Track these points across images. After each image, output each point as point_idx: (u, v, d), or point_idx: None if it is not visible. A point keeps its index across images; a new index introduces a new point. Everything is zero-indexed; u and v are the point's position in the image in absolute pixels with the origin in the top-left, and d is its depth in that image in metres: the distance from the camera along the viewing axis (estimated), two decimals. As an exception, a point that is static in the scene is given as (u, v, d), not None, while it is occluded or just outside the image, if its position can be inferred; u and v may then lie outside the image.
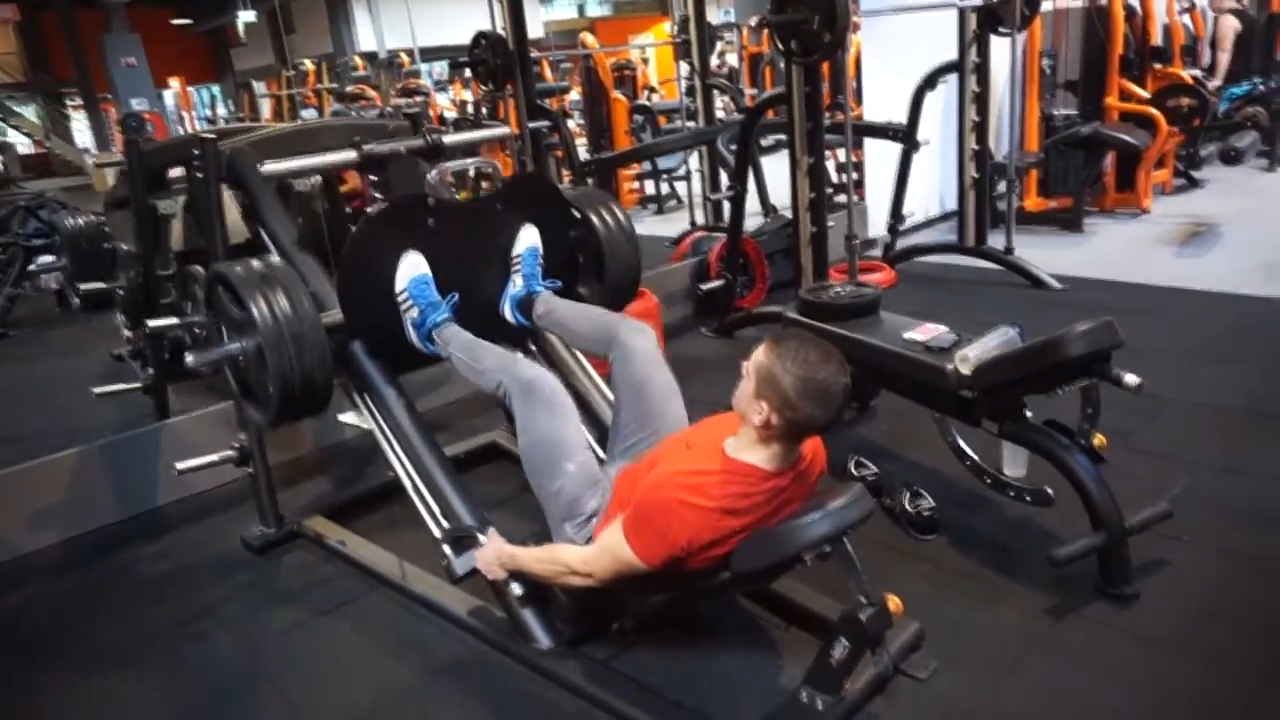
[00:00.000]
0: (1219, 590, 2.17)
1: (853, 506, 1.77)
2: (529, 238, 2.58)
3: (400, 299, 2.38)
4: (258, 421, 2.45)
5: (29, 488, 2.93)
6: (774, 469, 1.82)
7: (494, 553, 2.13)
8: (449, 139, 2.88)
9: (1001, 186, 4.98)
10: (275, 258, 2.39)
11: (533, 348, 2.77)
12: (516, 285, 2.58)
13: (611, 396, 2.49)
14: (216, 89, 23.04)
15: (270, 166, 2.62)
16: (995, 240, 4.96)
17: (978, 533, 2.49)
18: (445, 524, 2.25)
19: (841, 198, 4.57)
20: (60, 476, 2.97)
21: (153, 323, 2.84)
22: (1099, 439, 2.28)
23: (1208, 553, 2.30)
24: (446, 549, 2.21)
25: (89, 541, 2.96)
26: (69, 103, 21.91)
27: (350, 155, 2.61)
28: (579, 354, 2.79)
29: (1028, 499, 2.38)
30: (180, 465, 2.71)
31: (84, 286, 3.56)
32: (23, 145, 20.43)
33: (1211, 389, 3.23)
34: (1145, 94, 5.90)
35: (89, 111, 19.97)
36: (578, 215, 2.75)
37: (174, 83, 17.17)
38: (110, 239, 3.95)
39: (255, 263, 2.26)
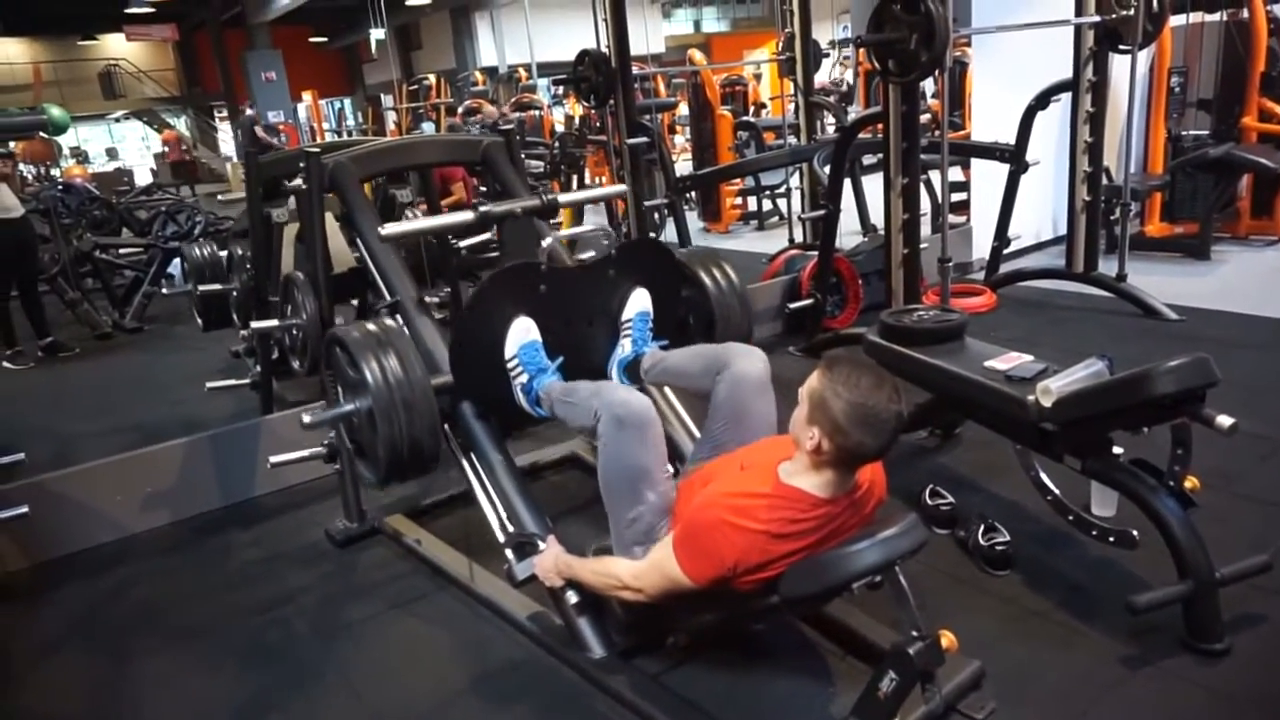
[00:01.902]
0: (1320, 652, 2.02)
1: (904, 536, 1.74)
2: (640, 302, 2.56)
3: (510, 364, 2.39)
4: (369, 481, 2.51)
5: (142, 473, 3.17)
6: (827, 496, 1.79)
7: (552, 561, 2.18)
8: (564, 198, 2.93)
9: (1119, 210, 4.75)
10: (390, 322, 2.46)
11: None
12: (625, 349, 2.54)
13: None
14: (347, 101, 24.31)
15: (390, 229, 2.65)
16: (1110, 267, 4.74)
17: (1054, 572, 2.39)
18: (510, 529, 2.32)
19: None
20: (170, 464, 3.21)
21: (255, 324, 3.03)
22: (1191, 481, 2.15)
23: (1311, 611, 2.14)
24: (509, 553, 2.28)
25: (192, 525, 3.19)
26: (217, 115, 23.59)
27: (467, 217, 2.65)
28: (679, 408, 2.76)
29: (1111, 540, 2.28)
30: (274, 459, 2.87)
31: (202, 287, 3.84)
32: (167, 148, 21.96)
33: (1336, 434, 3.00)
34: (1289, 114, 5.52)
35: (233, 122, 21.41)
36: (688, 277, 2.76)
37: (307, 96, 18.22)
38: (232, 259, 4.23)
39: (371, 326, 2.33)
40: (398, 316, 2.67)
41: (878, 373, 1.75)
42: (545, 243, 2.63)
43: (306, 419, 2.36)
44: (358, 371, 2.25)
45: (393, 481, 2.37)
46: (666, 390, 2.77)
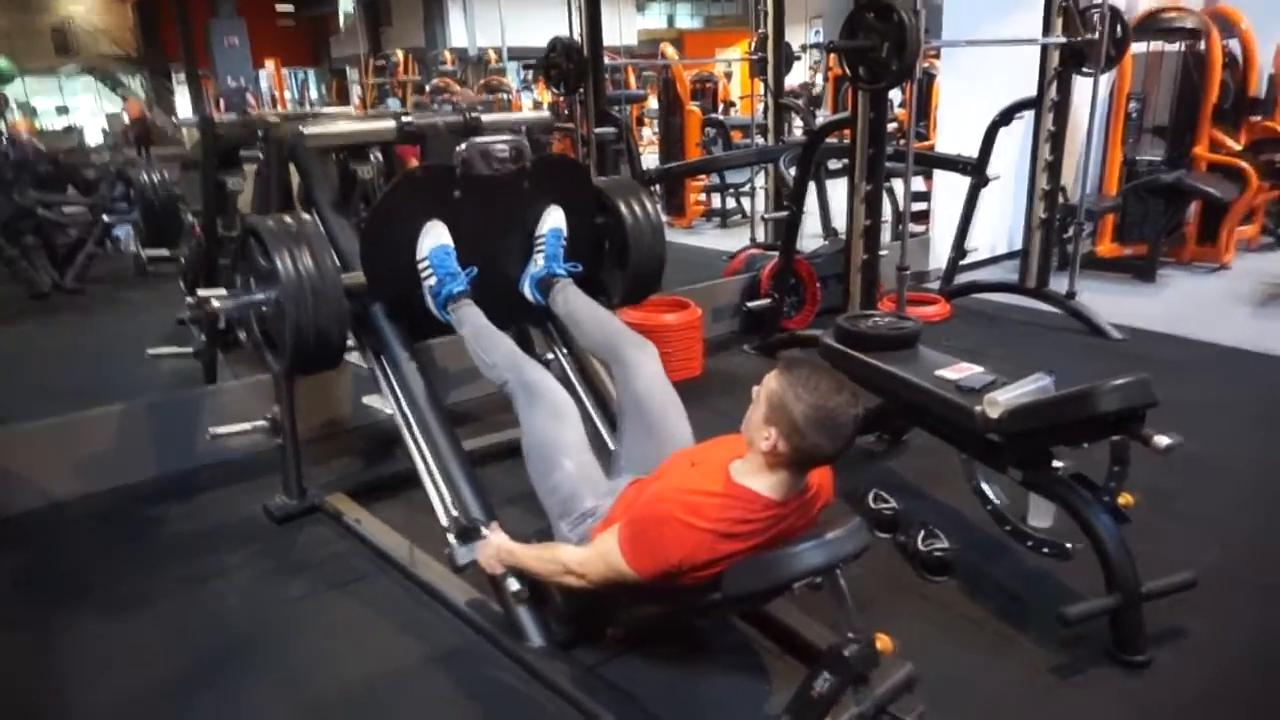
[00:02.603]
0: (1234, 670, 2.08)
1: (848, 540, 1.74)
2: (554, 219, 2.62)
3: (421, 266, 2.44)
4: (275, 370, 2.56)
5: (74, 439, 3.08)
6: (778, 497, 1.80)
7: (494, 547, 2.16)
8: (488, 118, 2.93)
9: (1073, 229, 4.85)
10: (306, 215, 2.49)
11: (552, 329, 2.83)
12: (538, 264, 2.62)
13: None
14: (312, 73, 23.81)
15: (313, 129, 2.71)
16: (1061, 283, 4.84)
17: (991, 580, 2.43)
18: (453, 513, 2.29)
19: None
20: (105, 430, 3.12)
21: (202, 291, 2.95)
22: (1125, 498, 2.20)
23: (1230, 628, 2.21)
24: (451, 538, 2.25)
25: (125, 494, 3.09)
26: (174, 76, 22.93)
27: (389, 125, 2.70)
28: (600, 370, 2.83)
29: (1045, 551, 2.32)
30: (214, 430, 2.82)
31: (149, 252, 3.73)
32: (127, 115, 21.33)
33: (1267, 456, 3.10)
34: (1238, 146, 5.68)
35: (190, 86, 20.82)
36: (606, 203, 2.78)
37: (269, 64, 17.80)
38: (183, 200, 4.12)
39: (287, 218, 2.36)
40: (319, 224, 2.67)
41: (836, 376, 1.76)
42: (460, 147, 2.63)
43: (217, 303, 2.40)
44: (269, 261, 2.27)
45: (299, 371, 2.41)
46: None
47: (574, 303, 2.58)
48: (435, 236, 2.45)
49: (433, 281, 2.45)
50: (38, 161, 7.43)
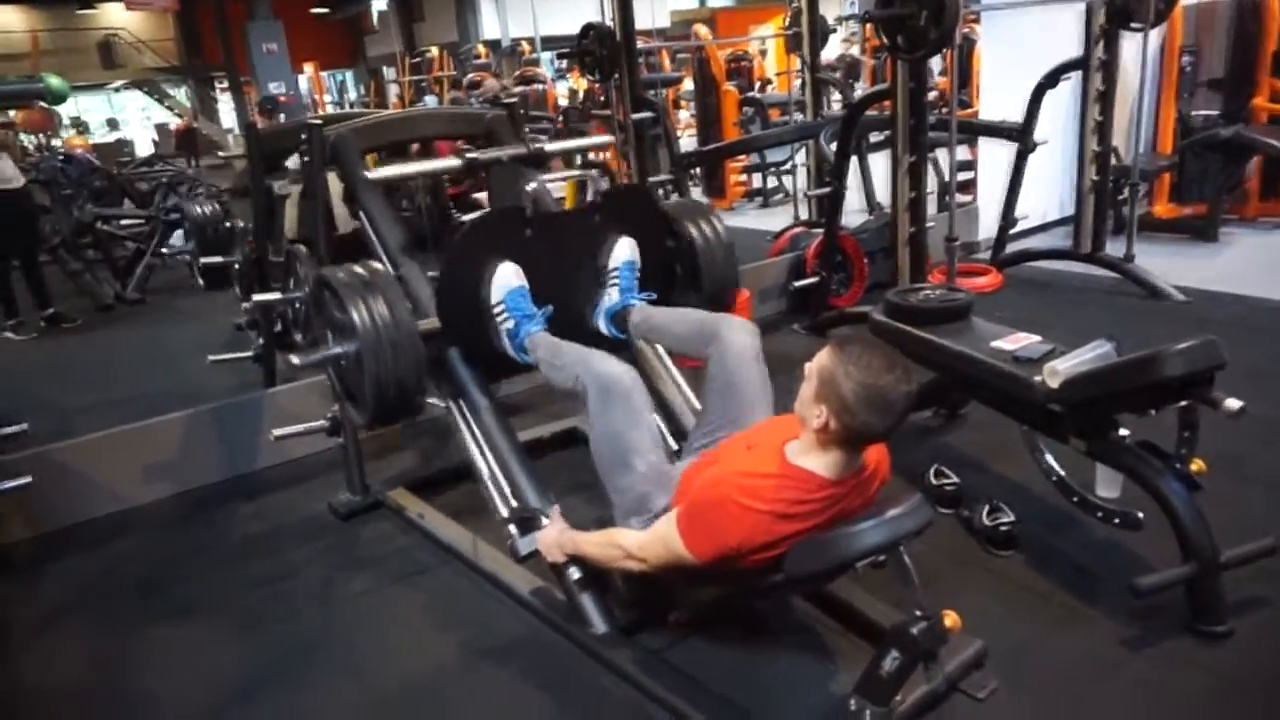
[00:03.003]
0: (1322, 637, 2.02)
1: (910, 516, 1.73)
2: (625, 250, 2.56)
3: (495, 310, 2.40)
4: (357, 423, 2.52)
5: (144, 445, 3.17)
6: (833, 476, 1.78)
7: (555, 536, 2.17)
8: (550, 146, 2.91)
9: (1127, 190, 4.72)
10: (378, 264, 2.46)
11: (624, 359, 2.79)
12: (611, 298, 2.56)
13: (697, 404, 2.50)
14: (349, 74, 24.11)
15: (376, 173, 2.70)
16: (1117, 248, 4.71)
17: (1058, 553, 2.39)
18: (512, 504, 2.31)
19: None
20: (173, 436, 3.21)
21: (257, 297, 3.01)
22: (1197, 464, 2.15)
23: (1316, 595, 2.14)
24: (511, 529, 2.28)
25: (194, 498, 3.19)
26: (217, 85, 23.40)
27: (453, 163, 2.66)
28: (669, 363, 2.79)
29: (1115, 521, 2.27)
30: (277, 432, 2.88)
31: (204, 260, 3.81)
32: (175, 124, 21.85)
33: (1342, 418, 2.99)
34: (1300, 95, 5.46)
35: (233, 94, 21.24)
36: (675, 228, 2.74)
37: (308, 68, 18.06)
38: (234, 216, 4.20)
39: (359, 269, 2.33)
40: (386, 262, 2.67)
41: (888, 353, 1.73)
42: (529, 188, 2.61)
43: (295, 360, 2.39)
44: (345, 314, 2.26)
45: (380, 423, 2.39)
46: (660, 350, 2.78)
47: (654, 314, 2.51)
48: (509, 278, 2.40)
49: (510, 324, 2.40)
50: (94, 176, 7.65)
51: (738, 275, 2.84)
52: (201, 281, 4.08)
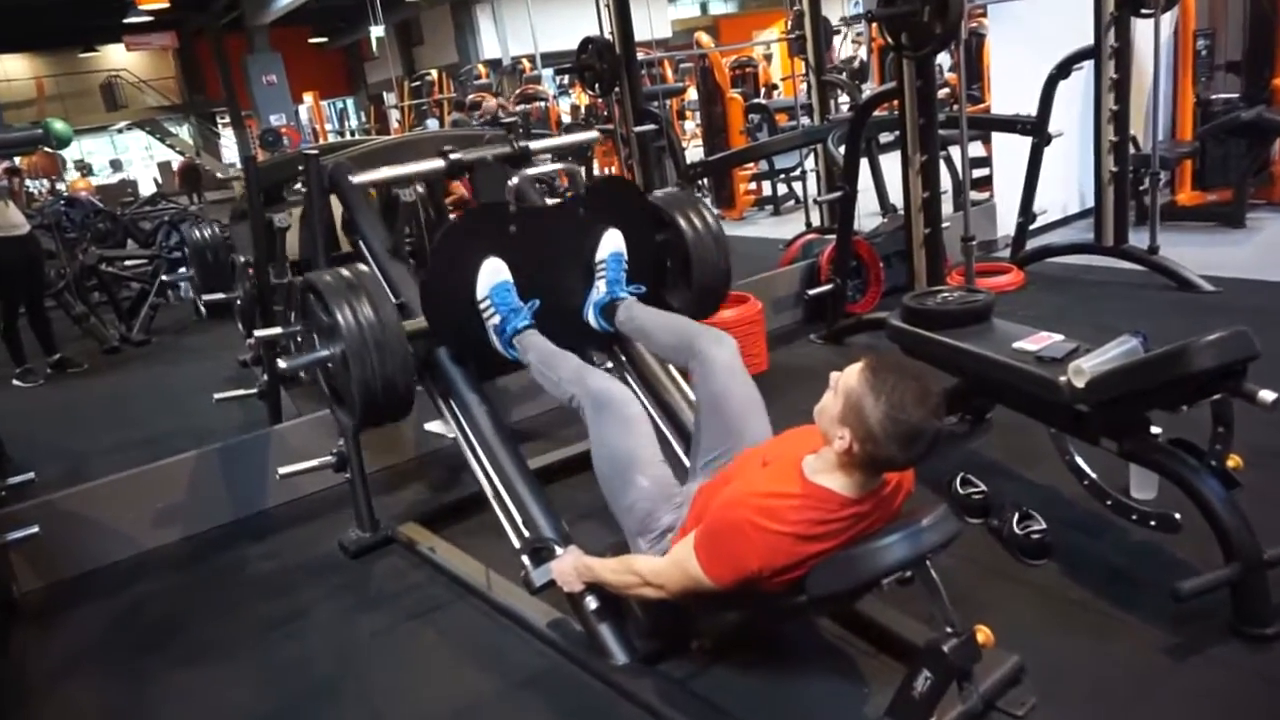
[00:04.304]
0: (1378, 636, 1.96)
1: (935, 529, 1.70)
2: (612, 242, 2.61)
3: (482, 306, 2.45)
4: (345, 424, 2.58)
5: (153, 488, 3.18)
6: (855, 495, 1.76)
7: (571, 565, 2.16)
8: (536, 145, 2.95)
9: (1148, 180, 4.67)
10: (364, 266, 2.52)
11: (619, 354, 2.81)
12: (600, 291, 2.61)
13: (693, 396, 2.50)
14: (350, 101, 24.38)
15: (361, 177, 2.76)
16: (1140, 239, 4.66)
17: (1094, 560, 2.34)
18: (525, 534, 2.30)
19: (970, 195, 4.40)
20: (180, 478, 3.22)
21: (259, 332, 3.03)
22: (1233, 460, 2.10)
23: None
24: (525, 560, 2.26)
25: (204, 540, 3.19)
26: (219, 121, 23.74)
27: (437, 164, 2.73)
28: (677, 375, 2.80)
29: (1151, 524, 2.22)
30: (283, 470, 2.88)
31: (205, 297, 3.85)
32: (177, 162, 22.15)
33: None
34: (1322, 73, 5.40)
35: (235, 128, 21.52)
36: (664, 219, 2.76)
37: (308, 97, 18.29)
38: (234, 250, 4.25)
39: (344, 271, 2.38)
40: (374, 267, 2.71)
41: (923, 383, 1.68)
42: (512, 182, 2.63)
43: (283, 364, 2.44)
44: (330, 316, 2.29)
45: (369, 424, 2.44)
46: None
47: (640, 314, 2.56)
48: (494, 274, 2.45)
49: (496, 320, 2.45)
50: (98, 218, 7.76)
51: (729, 266, 2.85)
52: (203, 310, 4.12)
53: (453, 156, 2.70)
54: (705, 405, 2.27)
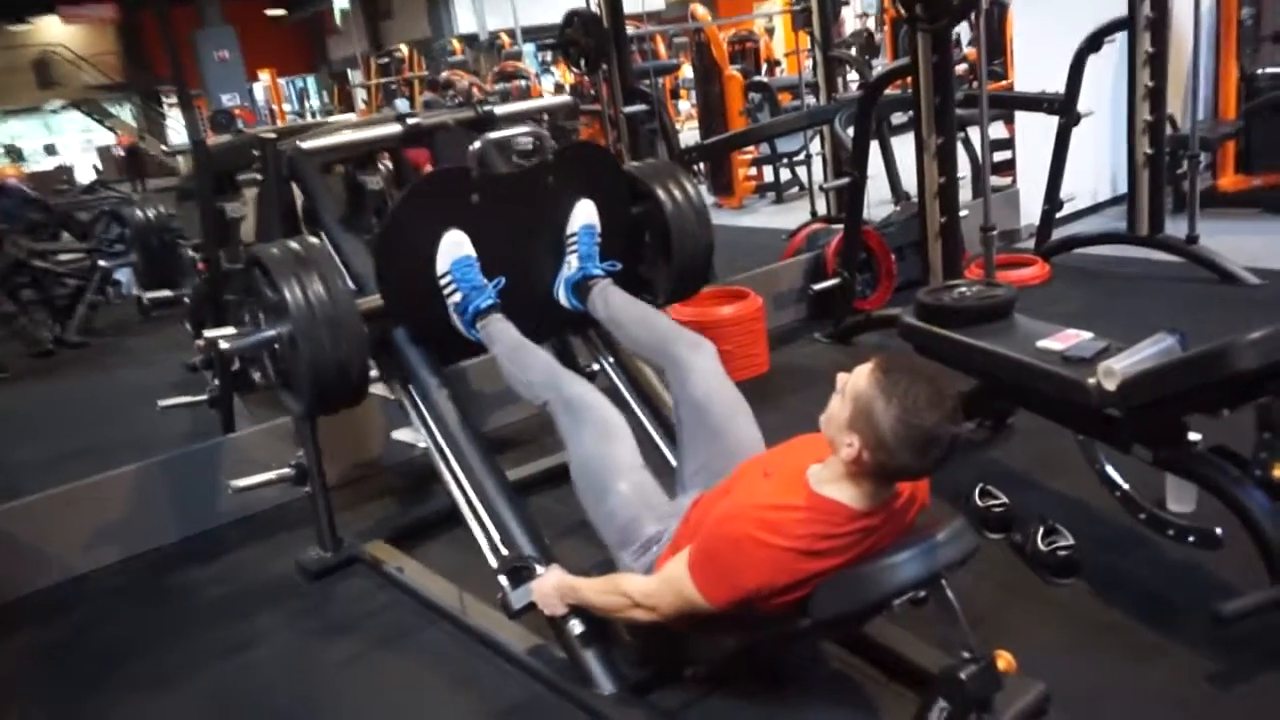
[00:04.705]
0: None
1: (951, 544, 1.71)
2: (585, 214, 2.62)
3: (442, 282, 2.46)
4: (295, 411, 2.59)
5: (90, 505, 3.16)
6: (864, 508, 1.77)
7: (553, 585, 2.16)
8: (501, 109, 2.95)
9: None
10: (313, 239, 2.53)
11: (594, 337, 2.84)
12: (571, 267, 2.63)
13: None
14: (310, 80, 24.35)
15: (311, 143, 2.76)
16: (1178, 227, 4.69)
17: (1127, 578, 2.36)
18: (503, 552, 2.30)
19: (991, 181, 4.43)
20: (121, 494, 3.20)
21: (210, 333, 3.02)
22: (1279, 469, 2.12)
23: None
24: (503, 580, 2.26)
25: (146, 562, 3.18)
26: (165, 101, 23.70)
27: (394, 129, 2.74)
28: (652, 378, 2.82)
29: (1190, 539, 2.24)
30: (236, 483, 2.88)
31: (149, 295, 3.83)
32: (118, 146, 22.08)
33: None
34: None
35: (183, 109, 21.44)
36: (640, 190, 2.78)
37: (264, 75, 18.28)
38: (183, 238, 4.24)
39: (292, 244, 2.40)
40: (325, 240, 2.71)
41: (936, 386, 1.68)
42: (473, 146, 2.63)
43: (225, 345, 2.44)
44: (277, 292, 2.30)
45: (321, 411, 2.45)
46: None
47: (615, 303, 2.58)
48: (455, 248, 2.47)
49: (457, 298, 2.47)
50: (28, 209, 7.72)
51: (712, 240, 2.87)
52: (145, 300, 4.09)
53: (410, 121, 2.72)
54: (687, 413, 2.30)
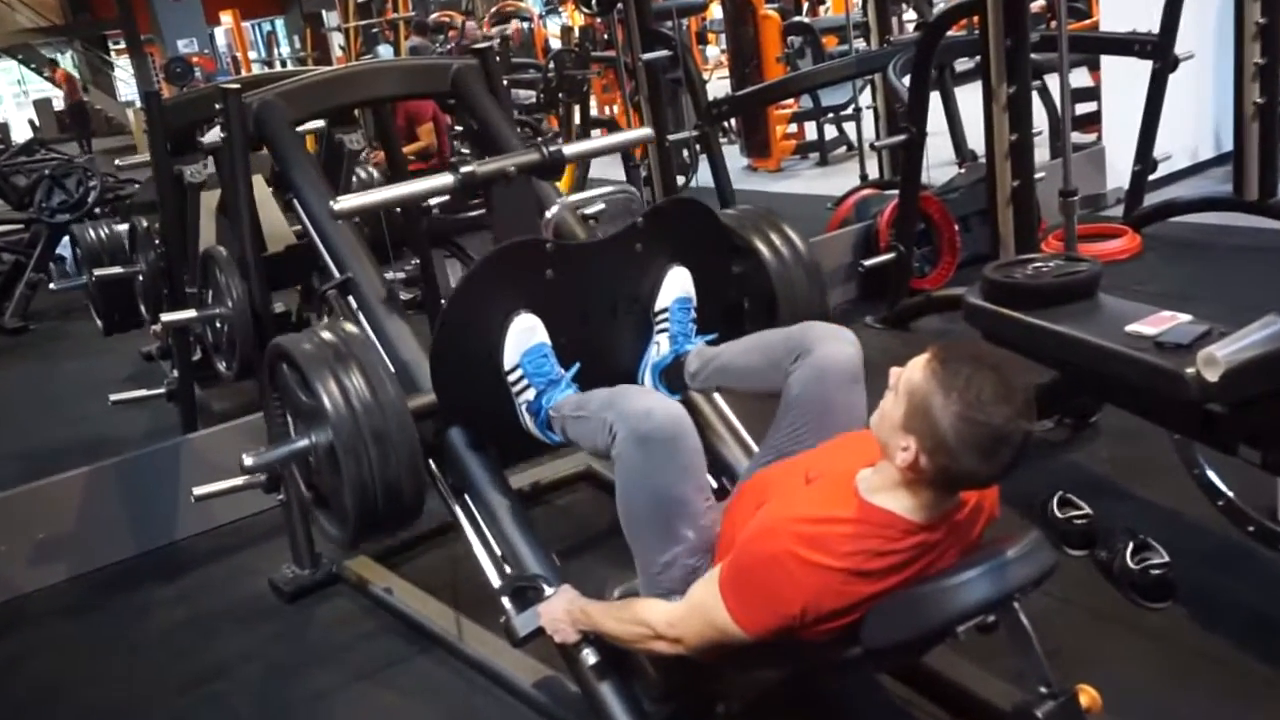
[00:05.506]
0: None
1: (1025, 562, 1.71)
2: (679, 285, 2.50)
3: (512, 377, 2.34)
4: (336, 540, 2.47)
5: (32, 515, 3.21)
6: (922, 520, 1.76)
7: (563, 609, 2.16)
8: (571, 149, 2.80)
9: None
10: (350, 326, 2.43)
11: None
12: (661, 349, 2.50)
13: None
14: (279, 22, 24.39)
15: (344, 205, 2.54)
16: (1292, 192, 4.67)
17: (1231, 601, 2.36)
18: (506, 570, 2.31)
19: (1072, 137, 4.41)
20: (68, 501, 3.25)
21: (167, 316, 3.05)
22: None
23: None
24: (506, 602, 2.27)
25: (98, 580, 3.22)
26: (112, 48, 23.82)
27: (446, 181, 2.59)
28: (728, 413, 2.71)
29: (1306, 557, 2.24)
30: (199, 490, 2.89)
31: (99, 272, 3.86)
32: (58, 99, 22.26)
33: None
34: None
35: (134, 57, 21.57)
36: (738, 245, 2.70)
37: (226, 18, 18.34)
38: (134, 211, 4.27)
39: (327, 334, 2.30)
40: (361, 316, 2.63)
41: (1004, 377, 1.65)
42: (550, 213, 2.57)
43: (248, 461, 2.32)
44: (312, 395, 2.21)
45: (365, 538, 2.36)
46: (715, 395, 2.74)
47: (714, 353, 2.44)
48: (527, 335, 2.33)
49: (530, 395, 2.33)
50: (-44, 173, 7.80)
51: (827, 305, 2.78)
52: (100, 324, 4.12)
53: (464, 170, 2.58)
54: (797, 413, 2.18)
